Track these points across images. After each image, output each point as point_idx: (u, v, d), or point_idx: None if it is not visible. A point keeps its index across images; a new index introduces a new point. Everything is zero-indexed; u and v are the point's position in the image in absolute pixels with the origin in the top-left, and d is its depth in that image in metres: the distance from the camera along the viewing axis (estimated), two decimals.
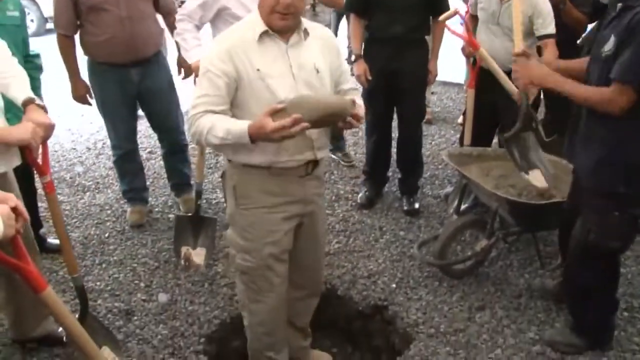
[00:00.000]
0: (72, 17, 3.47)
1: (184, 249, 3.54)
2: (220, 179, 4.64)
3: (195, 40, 3.37)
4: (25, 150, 2.33)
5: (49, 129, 2.32)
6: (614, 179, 2.35)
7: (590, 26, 3.95)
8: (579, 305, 2.70)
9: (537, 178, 3.00)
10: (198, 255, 3.51)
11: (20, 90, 2.40)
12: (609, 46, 2.27)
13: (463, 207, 3.69)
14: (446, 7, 3.60)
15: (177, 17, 3.43)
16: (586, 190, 2.47)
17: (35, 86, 3.46)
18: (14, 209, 1.70)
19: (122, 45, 3.48)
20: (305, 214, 2.39)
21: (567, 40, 3.61)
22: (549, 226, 3.38)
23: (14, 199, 1.73)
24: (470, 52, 3.63)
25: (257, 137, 2.02)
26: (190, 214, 3.67)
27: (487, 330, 2.87)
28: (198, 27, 3.40)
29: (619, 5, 2.28)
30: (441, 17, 3.42)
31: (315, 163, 2.30)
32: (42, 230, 3.57)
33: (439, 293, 3.17)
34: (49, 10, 11.36)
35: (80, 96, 3.69)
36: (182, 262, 3.49)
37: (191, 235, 3.57)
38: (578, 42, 4.06)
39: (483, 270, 3.34)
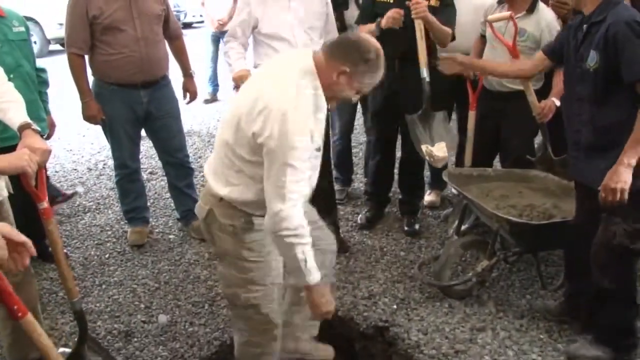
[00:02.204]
0: (87, 37, 3.52)
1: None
2: None
3: (238, 55, 3.51)
4: (21, 177, 2.32)
5: (45, 154, 2.31)
6: (634, 178, 2.39)
7: None
8: (603, 312, 2.70)
9: (441, 149, 3.45)
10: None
11: (17, 114, 2.40)
12: (592, 60, 2.47)
13: (463, 227, 3.68)
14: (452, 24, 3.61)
15: (225, 39, 3.68)
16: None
17: (43, 100, 3.52)
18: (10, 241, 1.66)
19: (136, 66, 3.55)
20: None
21: None
22: (549, 246, 3.38)
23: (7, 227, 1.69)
24: (471, 75, 3.66)
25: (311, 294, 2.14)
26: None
27: (489, 352, 2.85)
28: (244, 46, 3.57)
29: (585, 26, 2.52)
30: (491, 17, 3.41)
31: None
32: (47, 241, 3.56)
33: (440, 314, 3.16)
34: (51, 32, 11.53)
35: (91, 116, 3.69)
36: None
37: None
38: None
39: (484, 290, 3.33)
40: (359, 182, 4.78)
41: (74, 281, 2.59)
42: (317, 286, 2.13)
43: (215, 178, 2.24)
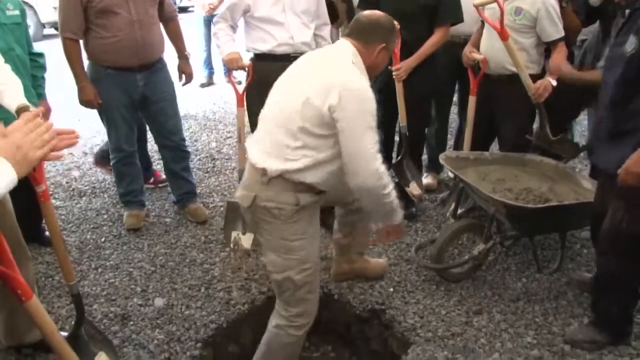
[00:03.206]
0: (81, 21, 3.48)
1: (233, 234, 3.62)
2: (216, 183, 4.65)
3: (227, 37, 3.51)
4: None
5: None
6: None
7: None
8: (605, 297, 2.71)
9: (415, 188, 3.81)
10: (246, 240, 3.60)
11: (14, 97, 2.38)
12: (631, 46, 2.42)
13: (460, 211, 3.68)
14: (451, 18, 3.64)
15: (214, 20, 3.64)
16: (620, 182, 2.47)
17: (39, 84, 3.48)
18: None
19: (132, 49, 3.52)
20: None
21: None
22: (546, 230, 3.39)
23: None
24: (471, 61, 3.64)
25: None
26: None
27: (484, 335, 2.87)
28: (233, 28, 3.56)
29: (627, 11, 2.52)
30: (476, 2, 3.37)
31: None
32: (44, 225, 3.57)
33: (436, 297, 3.17)
34: (46, 16, 11.42)
35: (88, 100, 3.65)
36: (232, 246, 3.61)
37: (241, 221, 3.62)
38: (574, 48, 4.07)
39: (480, 274, 3.34)
40: None
41: (71, 264, 2.58)
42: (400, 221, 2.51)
43: (269, 157, 2.36)
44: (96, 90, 3.61)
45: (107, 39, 3.49)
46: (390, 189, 2.37)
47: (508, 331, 2.88)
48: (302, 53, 3.14)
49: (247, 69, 3.46)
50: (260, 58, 3.49)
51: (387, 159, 4.21)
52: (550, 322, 2.94)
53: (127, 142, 3.84)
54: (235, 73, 3.91)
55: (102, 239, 3.83)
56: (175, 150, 3.98)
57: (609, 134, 2.56)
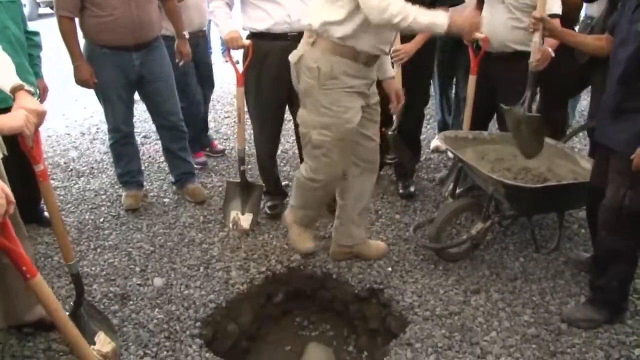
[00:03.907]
0: None
1: (232, 214, 3.69)
2: (215, 163, 4.64)
3: (224, 15, 3.47)
4: (18, 138, 2.29)
5: (41, 116, 2.27)
6: None
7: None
8: (606, 273, 2.72)
9: (246, 220, 3.68)
10: (245, 220, 3.68)
11: (7, 77, 2.36)
12: None
13: (458, 190, 3.68)
14: (449, 1, 3.57)
15: None
16: (624, 159, 2.46)
17: (35, 63, 3.46)
18: None
19: (128, 27, 3.48)
20: (368, 96, 2.89)
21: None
22: (544, 210, 3.39)
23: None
24: (473, 38, 3.60)
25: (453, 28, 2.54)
26: (239, 180, 3.78)
27: (482, 313, 2.88)
28: (229, 5, 3.50)
29: None
30: None
31: (376, 57, 2.83)
32: (43, 205, 3.57)
33: (434, 276, 3.18)
34: None
35: (84, 80, 3.61)
36: (231, 225, 3.66)
37: (240, 201, 3.71)
38: (578, 25, 4.05)
39: (478, 253, 3.35)
40: None
41: (70, 244, 2.58)
42: (452, 21, 2.54)
43: (314, 16, 2.73)
44: (92, 69, 3.59)
45: (103, 18, 3.46)
46: (408, 13, 2.48)
47: (505, 310, 2.90)
48: (300, 32, 3.14)
49: (247, 48, 3.43)
50: (257, 37, 3.45)
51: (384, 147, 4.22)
52: (547, 301, 2.95)
53: (125, 122, 3.82)
54: (232, 52, 3.89)
55: (101, 219, 3.83)
56: (173, 130, 3.96)
57: (616, 111, 2.56)
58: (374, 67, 2.86)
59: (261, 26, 3.40)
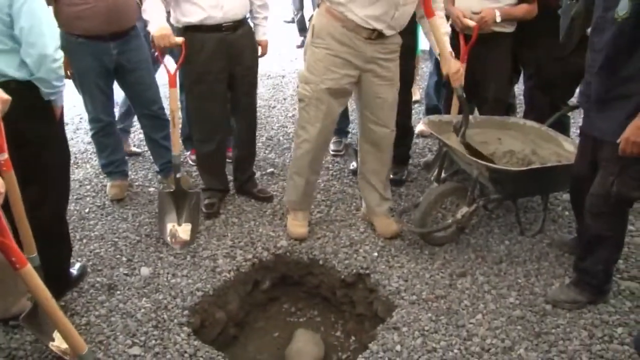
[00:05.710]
0: None
1: (169, 226, 3.48)
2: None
3: (154, 13, 3.26)
4: None
5: (4, 104, 2.24)
6: None
7: None
8: (590, 258, 2.76)
9: (185, 231, 3.47)
10: (184, 232, 3.46)
11: None
12: (623, 10, 2.33)
13: (443, 175, 3.70)
14: None
15: None
16: (614, 147, 2.46)
17: None
18: None
19: (103, 16, 3.40)
20: (365, 70, 3.05)
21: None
22: (529, 193, 3.42)
23: None
24: (464, 27, 3.57)
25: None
26: (172, 190, 3.58)
27: (468, 296, 2.91)
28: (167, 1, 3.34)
29: None
30: None
31: (380, 34, 2.94)
32: None
33: (420, 261, 3.20)
34: None
35: None
36: (169, 239, 3.43)
37: (175, 212, 3.53)
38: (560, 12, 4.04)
39: (464, 237, 3.37)
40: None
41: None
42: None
43: None
44: (67, 59, 3.54)
45: (78, 6, 3.39)
46: None
47: (491, 292, 2.93)
48: (234, 22, 3.30)
49: (179, 46, 3.26)
50: (191, 30, 3.34)
51: None
52: (532, 283, 2.99)
53: (104, 112, 3.77)
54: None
55: (86, 210, 3.81)
56: (155, 119, 3.92)
57: (602, 100, 2.53)
58: (373, 44, 2.97)
59: (195, 19, 3.30)
